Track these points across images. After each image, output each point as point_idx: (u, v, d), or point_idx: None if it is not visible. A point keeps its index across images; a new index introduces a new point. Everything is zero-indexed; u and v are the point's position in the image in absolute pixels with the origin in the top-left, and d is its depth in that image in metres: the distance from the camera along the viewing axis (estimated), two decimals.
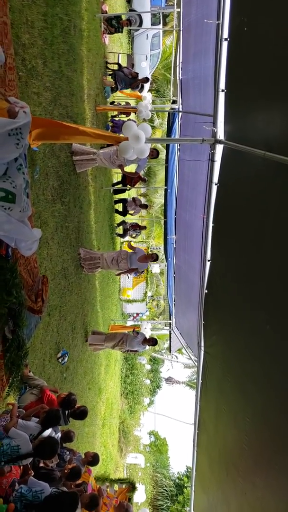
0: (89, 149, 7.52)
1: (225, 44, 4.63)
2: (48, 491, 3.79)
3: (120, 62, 12.26)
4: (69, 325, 7.03)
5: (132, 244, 9.46)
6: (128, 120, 11.55)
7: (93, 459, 5.98)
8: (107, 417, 12.62)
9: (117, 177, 13.02)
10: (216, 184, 5.03)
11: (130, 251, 8.96)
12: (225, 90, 4.67)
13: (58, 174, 6.20)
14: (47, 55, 5.40)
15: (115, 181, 12.84)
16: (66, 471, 4.86)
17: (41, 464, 4.63)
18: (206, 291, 5.73)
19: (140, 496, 12.66)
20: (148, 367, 29.26)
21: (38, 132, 4.89)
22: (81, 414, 5.45)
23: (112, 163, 7.88)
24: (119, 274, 9.69)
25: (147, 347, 9.71)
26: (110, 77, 10.95)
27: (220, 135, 4.96)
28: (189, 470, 25.07)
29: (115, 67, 11.26)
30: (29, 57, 4.77)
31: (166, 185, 12.04)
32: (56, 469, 4.84)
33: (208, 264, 5.61)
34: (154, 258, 9.14)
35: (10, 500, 3.60)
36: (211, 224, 5.27)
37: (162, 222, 15.36)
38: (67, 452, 5.64)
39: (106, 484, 8.61)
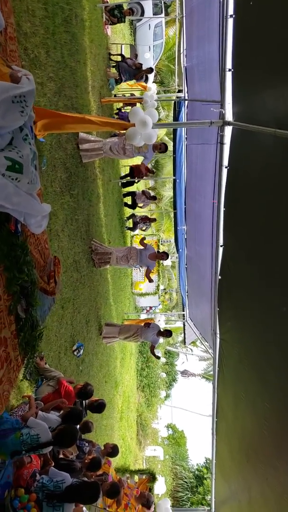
0: (96, 138, 7.48)
1: (230, 22, 4.55)
2: (69, 481, 3.78)
3: (123, 53, 12.15)
4: (83, 318, 7.02)
5: (145, 241, 9.33)
6: None
7: (112, 450, 5.98)
8: (124, 410, 12.64)
9: (125, 170, 12.96)
10: (226, 167, 4.95)
11: (140, 246, 8.94)
12: (232, 70, 4.58)
13: (66, 166, 6.16)
14: (49, 45, 5.34)
15: (123, 174, 12.78)
16: (86, 461, 4.86)
17: (61, 456, 4.63)
18: (219, 277, 5.67)
19: (160, 487, 12.65)
20: (163, 360, 29.27)
21: (44, 123, 4.86)
22: (99, 407, 5.44)
23: (119, 153, 7.81)
24: (149, 279, 9.32)
25: (162, 340, 9.66)
26: (113, 68, 10.86)
27: (229, 116, 4.88)
28: (208, 461, 25.12)
29: (119, 58, 11.15)
30: (31, 46, 4.72)
31: (174, 175, 11.95)
32: (76, 460, 4.84)
33: (220, 249, 5.55)
34: (165, 258, 9.11)
35: (32, 490, 3.60)
36: (222, 209, 5.19)
37: (172, 214, 15.27)
38: (87, 444, 5.64)
39: (126, 476, 8.62)
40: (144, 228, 14.46)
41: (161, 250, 14.25)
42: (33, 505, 3.37)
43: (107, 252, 8.11)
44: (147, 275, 8.95)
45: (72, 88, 6.55)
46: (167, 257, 9.33)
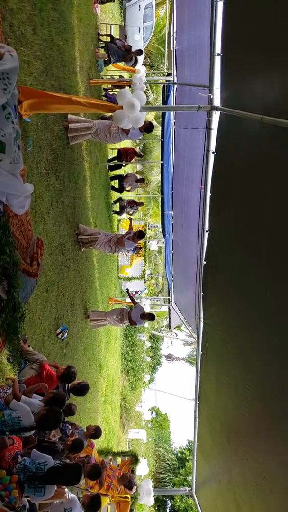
0: (86, 119, 7.37)
1: (220, 6, 4.48)
2: (52, 463, 3.80)
3: (112, 33, 11.90)
4: (68, 301, 7.01)
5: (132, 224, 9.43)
6: None
7: (95, 432, 6.04)
8: (108, 393, 12.75)
9: (112, 153, 12.83)
10: (213, 153, 4.93)
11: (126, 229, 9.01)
12: (221, 54, 4.53)
13: (52, 147, 6.07)
14: (36, 22, 5.20)
15: (110, 157, 12.65)
16: (68, 443, 4.89)
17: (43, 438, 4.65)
18: (204, 263, 5.70)
19: (143, 469, 12.88)
20: (148, 344, 29.53)
21: (30, 103, 4.77)
22: (82, 389, 5.44)
23: (106, 137, 7.70)
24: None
25: (146, 323, 9.73)
26: (102, 49, 10.65)
27: (217, 102, 4.84)
28: (190, 444, 25.63)
29: (108, 39, 10.94)
30: (18, 22, 4.58)
31: (162, 160, 11.88)
32: (58, 442, 4.87)
33: (206, 235, 5.56)
34: (137, 235, 9.15)
35: (13, 472, 3.61)
36: (208, 194, 5.19)
37: (159, 199, 15.22)
38: (69, 426, 5.68)
39: (109, 458, 8.72)
40: (131, 212, 14.38)
41: (147, 235, 14.26)
42: (14, 487, 3.38)
43: (95, 233, 8.10)
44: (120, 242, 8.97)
45: (59, 67, 6.41)
46: (143, 235, 9.38)
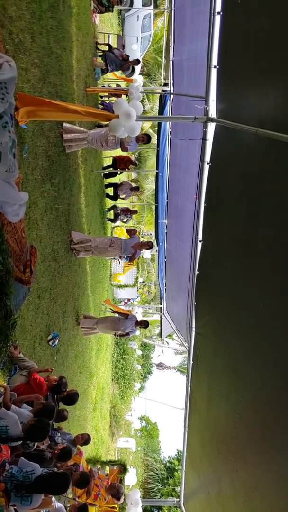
0: (81, 128, 7.40)
1: (218, 19, 4.55)
2: (39, 472, 3.76)
3: (110, 43, 12.00)
4: (60, 308, 6.98)
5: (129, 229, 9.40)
6: None
7: (84, 441, 5.99)
8: (98, 401, 12.66)
9: (107, 160, 12.88)
10: (208, 163, 4.97)
11: (127, 236, 8.97)
12: (217, 67, 4.58)
13: (48, 154, 6.08)
14: (35, 30, 5.23)
15: (105, 164, 12.69)
16: (56, 452, 4.85)
17: None
18: (197, 272, 5.71)
19: (131, 479, 12.76)
20: (139, 352, 29.43)
21: (27, 110, 4.78)
22: (71, 398, 5.41)
23: (102, 145, 7.75)
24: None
25: (138, 331, 9.69)
26: (100, 58, 10.73)
27: (212, 113, 4.89)
28: (180, 453, 25.47)
29: (106, 48, 11.02)
30: (16, 30, 4.61)
31: (157, 168, 11.94)
32: (46, 450, 4.83)
33: (199, 245, 5.59)
34: (150, 246, 9.10)
35: (0, 480, 3.57)
36: (202, 204, 5.22)
37: (153, 207, 15.29)
38: (59, 434, 5.64)
39: (97, 467, 8.64)
40: (125, 220, 14.41)
41: None
42: (1, 495, 3.35)
43: (87, 240, 8.08)
44: (132, 258, 8.91)
45: (57, 75, 6.45)
46: (152, 246, 9.31)
